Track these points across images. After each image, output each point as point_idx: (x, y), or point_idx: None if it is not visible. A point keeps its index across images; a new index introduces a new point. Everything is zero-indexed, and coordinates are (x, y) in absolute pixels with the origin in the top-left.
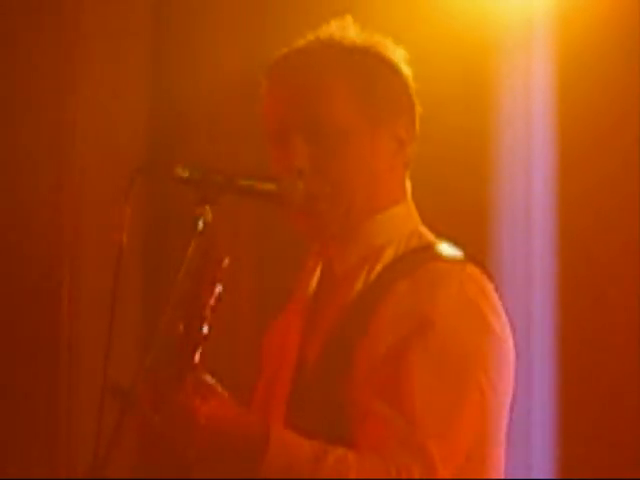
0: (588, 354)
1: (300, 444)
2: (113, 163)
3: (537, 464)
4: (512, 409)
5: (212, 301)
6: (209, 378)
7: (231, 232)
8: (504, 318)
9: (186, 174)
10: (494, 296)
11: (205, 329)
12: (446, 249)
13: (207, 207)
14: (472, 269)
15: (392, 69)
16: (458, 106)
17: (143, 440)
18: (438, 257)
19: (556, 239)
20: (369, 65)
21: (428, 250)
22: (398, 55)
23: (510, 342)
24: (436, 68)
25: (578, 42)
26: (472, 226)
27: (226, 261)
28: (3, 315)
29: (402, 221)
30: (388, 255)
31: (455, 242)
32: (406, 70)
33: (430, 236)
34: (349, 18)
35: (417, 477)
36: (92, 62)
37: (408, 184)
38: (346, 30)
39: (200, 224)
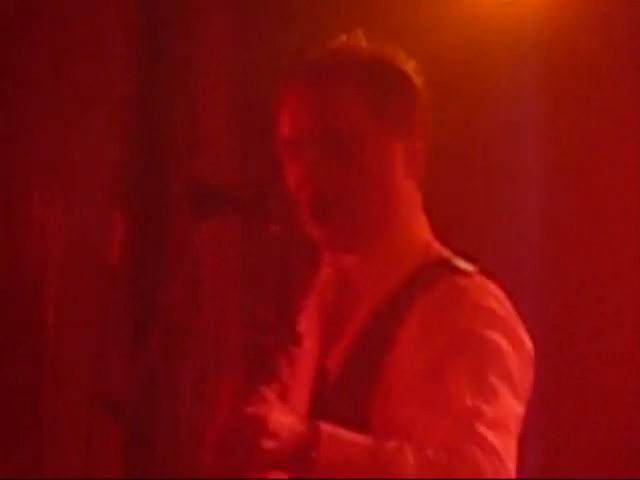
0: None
1: (352, 437)
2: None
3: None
4: None
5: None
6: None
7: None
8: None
9: (181, 189)
10: (511, 307)
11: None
12: (461, 263)
13: (202, 223)
14: (489, 283)
15: (405, 80)
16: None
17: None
18: (457, 271)
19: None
20: (383, 76)
21: (446, 264)
22: (410, 66)
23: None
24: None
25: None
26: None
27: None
28: None
29: (417, 233)
30: (406, 267)
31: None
32: (418, 81)
33: (443, 249)
34: (360, 31)
35: (482, 461)
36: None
37: (419, 195)
38: (359, 42)
39: (196, 239)
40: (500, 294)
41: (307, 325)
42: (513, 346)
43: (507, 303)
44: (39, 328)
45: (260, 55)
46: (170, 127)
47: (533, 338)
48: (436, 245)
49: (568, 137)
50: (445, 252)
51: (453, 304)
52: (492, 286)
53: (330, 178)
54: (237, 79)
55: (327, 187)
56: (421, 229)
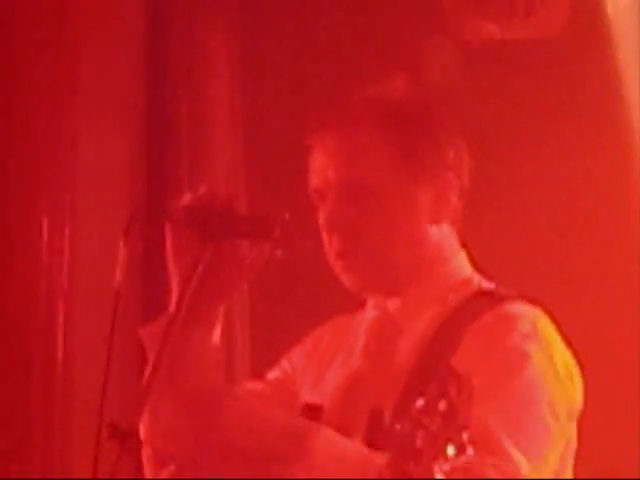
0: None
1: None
2: (109, 200)
3: None
4: None
5: None
6: None
7: None
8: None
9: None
10: (556, 330)
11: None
12: (506, 292)
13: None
14: (535, 308)
15: (434, 128)
16: None
17: None
18: (502, 299)
19: None
20: (412, 121)
21: (489, 294)
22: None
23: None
24: None
25: None
26: None
27: None
28: None
29: (455, 271)
30: (449, 304)
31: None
32: (448, 123)
33: (484, 281)
34: (402, 73)
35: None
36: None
37: (454, 234)
38: (394, 85)
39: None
40: (546, 319)
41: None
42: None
43: (552, 327)
44: (48, 357)
45: (268, 71)
46: (177, 146)
47: None
48: (477, 279)
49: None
50: (486, 284)
51: (504, 330)
52: (539, 312)
53: (352, 228)
54: (246, 96)
55: (350, 237)
56: (460, 267)
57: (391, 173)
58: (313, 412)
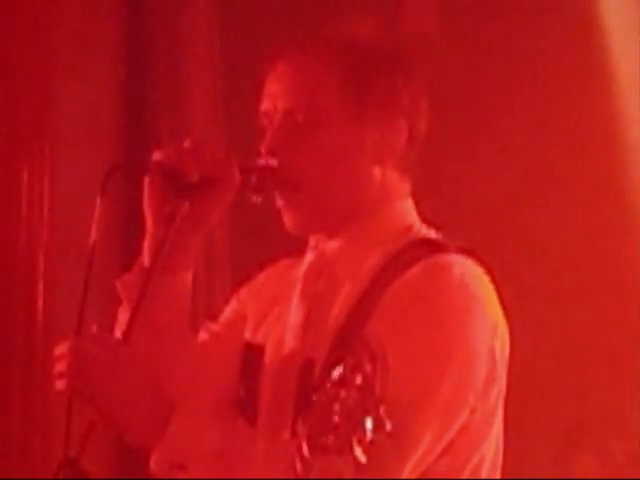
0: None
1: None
2: (89, 150)
3: None
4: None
5: None
6: None
7: None
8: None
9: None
10: (492, 290)
11: None
12: (447, 242)
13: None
14: (469, 260)
15: (387, 64)
16: None
17: None
18: (437, 249)
19: None
20: (369, 61)
21: (429, 243)
22: (410, 59)
23: (507, 336)
24: None
25: None
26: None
27: None
28: None
29: (399, 217)
30: (388, 250)
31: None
32: (419, 74)
33: (429, 231)
34: (374, 18)
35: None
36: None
37: (408, 184)
38: (361, 27)
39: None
40: (479, 271)
41: (277, 310)
42: (483, 325)
43: (485, 281)
44: (29, 309)
45: (246, 42)
46: (156, 94)
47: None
48: (420, 227)
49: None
50: (431, 233)
51: (431, 281)
52: (471, 263)
53: (291, 154)
54: (225, 43)
55: (289, 164)
56: (404, 214)
57: (338, 107)
58: (255, 352)
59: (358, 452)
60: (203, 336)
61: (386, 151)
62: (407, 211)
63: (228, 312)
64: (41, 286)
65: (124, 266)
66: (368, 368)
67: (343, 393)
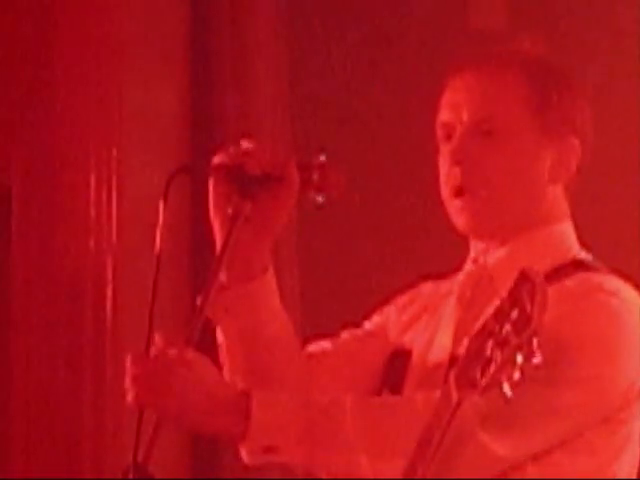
0: None
1: (286, 396)
2: (156, 153)
3: None
4: None
5: None
6: None
7: None
8: None
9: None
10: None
11: None
12: (601, 265)
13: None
14: (624, 283)
15: (572, 90)
16: None
17: None
18: (591, 269)
19: None
20: (555, 76)
21: (583, 264)
22: (580, 80)
23: None
24: None
25: None
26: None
27: None
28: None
29: (560, 237)
30: (545, 266)
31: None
32: (585, 97)
33: (584, 254)
34: (541, 35)
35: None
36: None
37: (566, 201)
38: (535, 45)
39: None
40: (632, 295)
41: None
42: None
43: (636, 306)
44: (98, 315)
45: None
46: (222, 119)
47: None
48: (579, 251)
49: None
50: (588, 257)
51: (587, 289)
52: (626, 286)
53: (475, 163)
54: (292, 42)
55: (471, 172)
56: (567, 234)
57: (524, 120)
58: (402, 356)
59: (505, 387)
60: (345, 336)
61: (562, 168)
62: (569, 232)
63: (371, 323)
64: (110, 291)
65: (192, 271)
66: (526, 300)
67: (497, 327)
